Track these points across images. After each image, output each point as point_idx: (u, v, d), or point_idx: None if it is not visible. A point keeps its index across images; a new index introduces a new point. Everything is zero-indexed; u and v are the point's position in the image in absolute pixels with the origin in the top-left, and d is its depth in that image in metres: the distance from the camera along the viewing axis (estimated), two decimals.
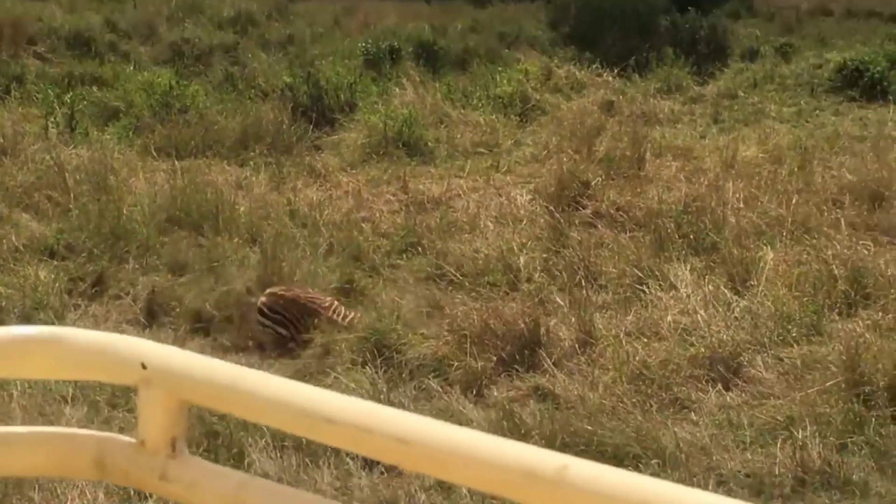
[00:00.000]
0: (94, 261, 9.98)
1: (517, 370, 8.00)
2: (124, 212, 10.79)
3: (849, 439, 6.91)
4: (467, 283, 9.71)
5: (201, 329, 9.02)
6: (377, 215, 11.72)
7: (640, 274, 9.63)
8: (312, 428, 1.84)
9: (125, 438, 2.04)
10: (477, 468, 1.61)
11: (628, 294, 9.39)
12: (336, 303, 8.97)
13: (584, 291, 9.14)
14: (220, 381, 1.90)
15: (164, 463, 1.96)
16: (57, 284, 9.38)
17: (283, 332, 8.78)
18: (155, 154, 13.67)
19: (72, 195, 11.33)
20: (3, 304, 9.06)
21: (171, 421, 1.96)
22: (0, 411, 7.04)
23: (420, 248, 10.65)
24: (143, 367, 1.94)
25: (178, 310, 9.20)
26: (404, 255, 10.59)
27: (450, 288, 9.72)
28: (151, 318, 9.21)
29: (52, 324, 8.71)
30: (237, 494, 1.90)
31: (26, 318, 8.77)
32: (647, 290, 9.30)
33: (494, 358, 8.15)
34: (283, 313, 8.80)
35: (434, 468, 1.76)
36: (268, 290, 9.01)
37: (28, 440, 2.16)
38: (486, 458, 1.60)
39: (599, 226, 11.14)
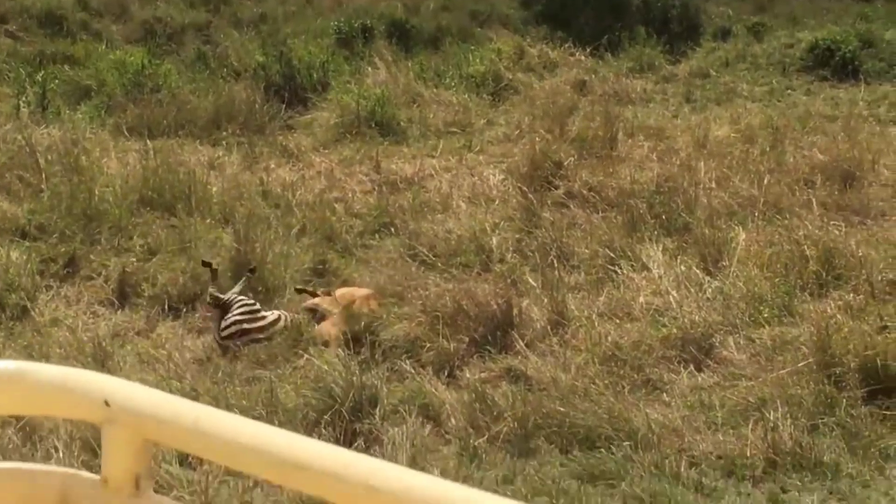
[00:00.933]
0: (66, 242, 9.93)
1: (489, 351, 8.02)
2: (96, 192, 10.72)
3: (820, 420, 6.96)
4: (440, 264, 9.72)
5: (172, 310, 9.00)
6: (350, 195, 11.70)
7: (612, 254, 9.64)
8: (281, 473, 1.80)
9: (89, 475, 2.01)
10: None
11: (600, 275, 9.41)
12: (283, 317, 8.70)
13: (556, 272, 9.15)
14: (184, 421, 1.86)
15: (128, 501, 1.93)
16: (29, 265, 9.35)
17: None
18: (127, 134, 13.59)
19: (43, 175, 11.25)
20: None
21: (134, 459, 1.93)
22: None
23: (393, 229, 10.66)
24: (107, 404, 1.91)
25: (149, 291, 9.17)
26: (377, 236, 10.60)
27: (422, 268, 9.73)
28: (123, 299, 9.19)
29: (25, 304, 8.71)
30: None
31: None
32: (619, 270, 9.33)
33: (467, 339, 8.18)
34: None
35: None
36: (226, 326, 8.50)
37: None
38: None
39: (572, 206, 11.11)
